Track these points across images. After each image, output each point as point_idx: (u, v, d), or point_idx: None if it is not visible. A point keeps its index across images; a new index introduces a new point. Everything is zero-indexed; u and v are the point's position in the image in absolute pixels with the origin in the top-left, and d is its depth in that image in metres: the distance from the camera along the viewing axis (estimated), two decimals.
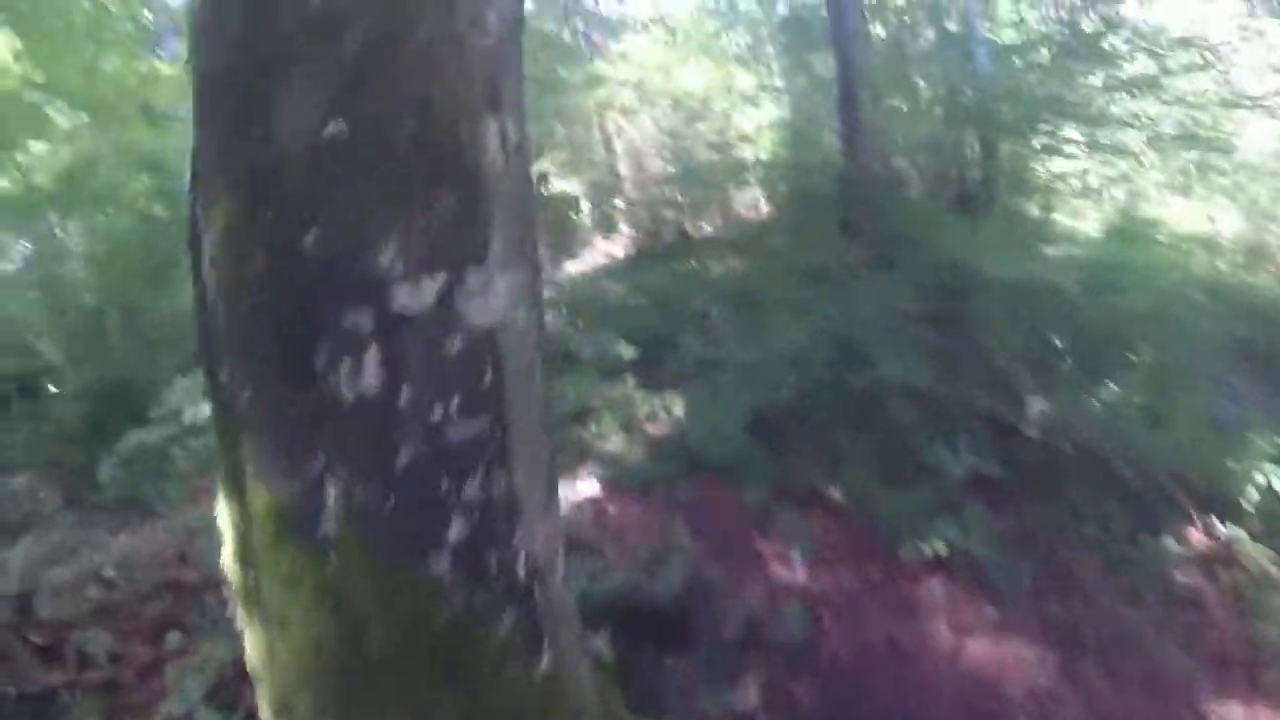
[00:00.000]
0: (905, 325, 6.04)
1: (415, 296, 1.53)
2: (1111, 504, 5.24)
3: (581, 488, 5.75)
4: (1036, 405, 5.82)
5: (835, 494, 5.08)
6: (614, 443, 6.37)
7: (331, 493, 1.59)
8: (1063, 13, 12.46)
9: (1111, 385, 6.03)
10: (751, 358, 5.93)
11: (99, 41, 8.23)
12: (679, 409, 6.62)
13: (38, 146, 8.37)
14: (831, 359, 5.57)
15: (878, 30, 12.07)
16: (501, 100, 1.66)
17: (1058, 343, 6.33)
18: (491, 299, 1.62)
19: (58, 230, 8.94)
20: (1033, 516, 5.14)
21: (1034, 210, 11.61)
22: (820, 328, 5.80)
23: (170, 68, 9.47)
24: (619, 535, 5.09)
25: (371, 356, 1.53)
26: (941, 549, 4.49)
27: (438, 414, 1.57)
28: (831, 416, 5.48)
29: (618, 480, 5.71)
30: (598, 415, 6.66)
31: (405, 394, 1.55)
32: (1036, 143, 11.08)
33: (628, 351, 7.16)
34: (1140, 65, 11.06)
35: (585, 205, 14.35)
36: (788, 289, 7.30)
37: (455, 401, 1.59)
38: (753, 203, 12.30)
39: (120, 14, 8.24)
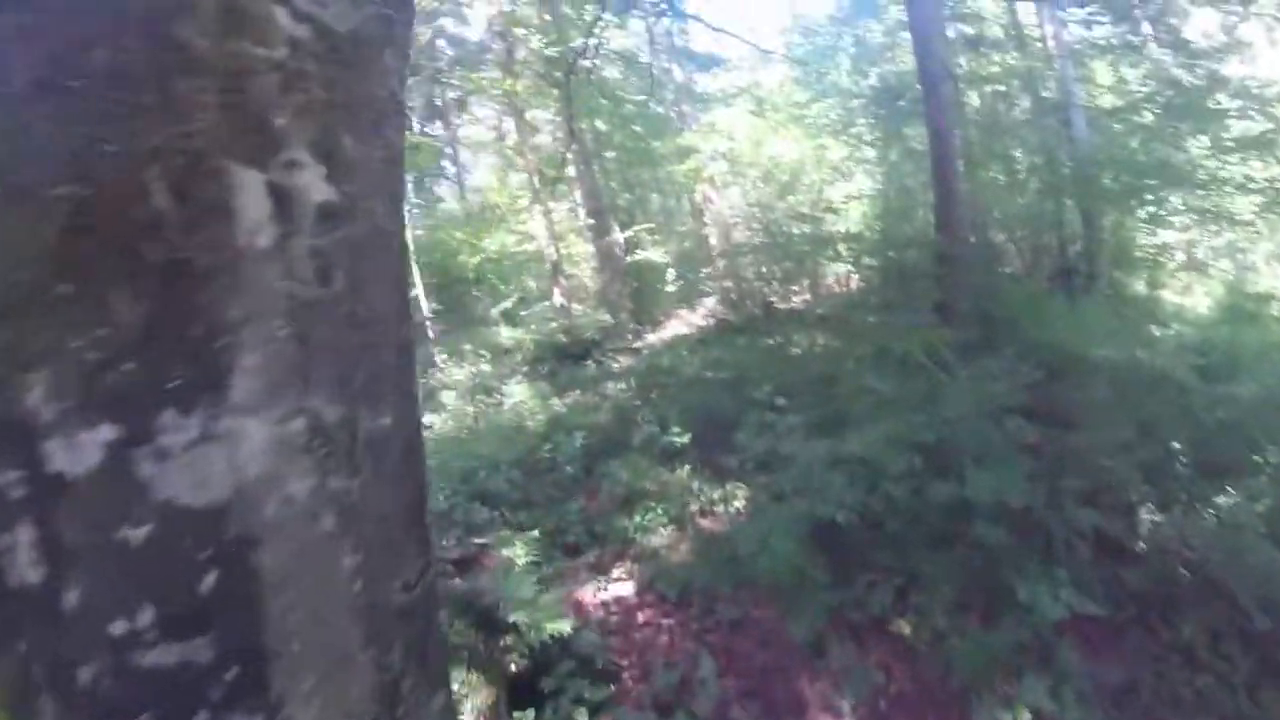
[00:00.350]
0: (1000, 421, 5.14)
1: (73, 456, 0.93)
2: (1231, 643, 4.13)
3: (615, 588, 5.06)
4: (1146, 516, 4.81)
5: (903, 627, 4.18)
6: (660, 536, 5.66)
7: (41, 686, 1.00)
8: (1167, 70, 11.36)
9: (1231, 491, 4.93)
10: (820, 458, 5.11)
11: None
12: (740, 501, 5.89)
13: None
14: (913, 468, 4.69)
15: (971, 99, 11.32)
16: (285, 141, 1.07)
17: (1170, 440, 5.27)
18: (217, 460, 1.01)
19: None
20: (1138, 664, 4.09)
21: (1139, 286, 10.59)
22: (902, 432, 4.94)
23: None
24: (642, 651, 4.36)
25: (26, 533, 0.94)
26: (1026, 717, 3.52)
27: (120, 628, 0.96)
28: (906, 533, 4.59)
29: (655, 582, 4.98)
30: (647, 503, 5.98)
31: (72, 594, 0.95)
32: (1142, 212, 10.09)
33: (684, 438, 6.50)
34: (1250, 123, 10.00)
35: (671, 274, 13.93)
36: (872, 377, 6.48)
37: (149, 613, 0.97)
38: (842, 277, 11.53)
39: None
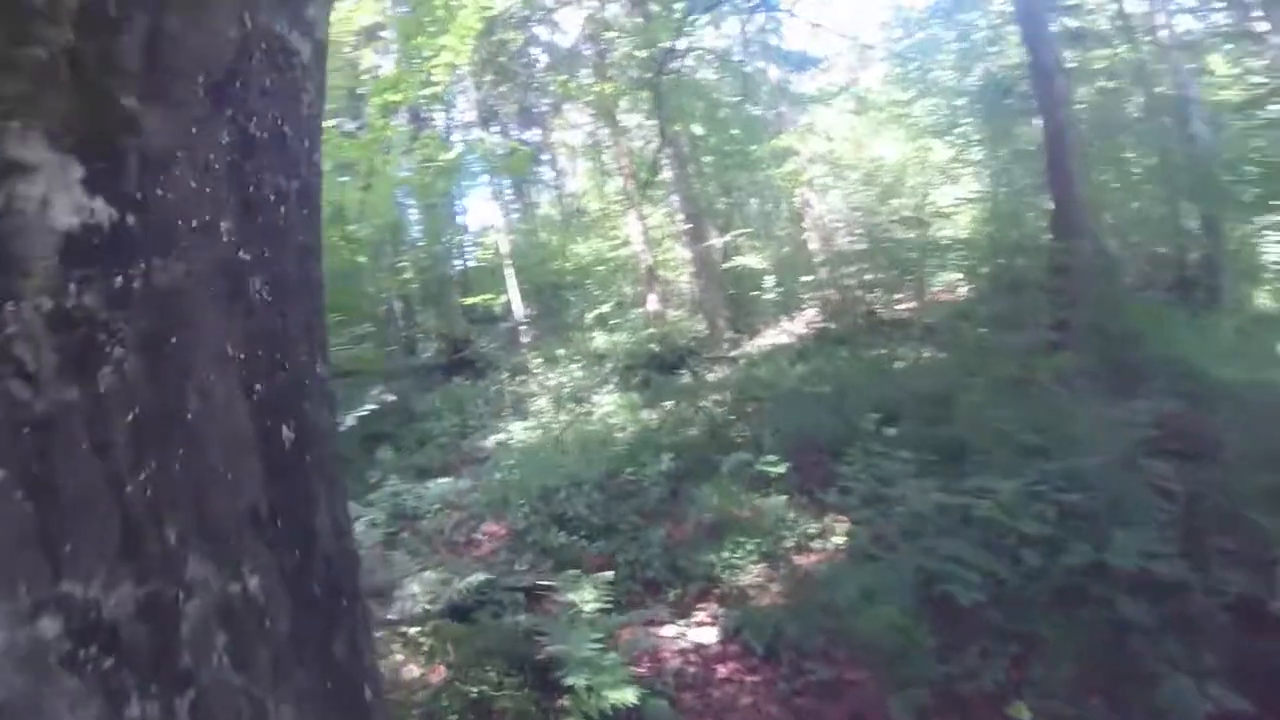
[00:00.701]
0: (1136, 463, 4.35)
1: None
2: None
3: (696, 633, 4.51)
4: None
5: (1021, 712, 3.47)
6: (750, 575, 5.08)
7: None
8: None
9: None
10: (936, 508, 4.43)
11: None
12: (840, 537, 5.24)
13: None
14: (1045, 529, 3.97)
15: (1079, 96, 10.37)
16: None
17: None
18: None
19: None
20: None
21: (1265, 299, 9.53)
22: (1038, 486, 4.21)
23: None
24: (719, 714, 3.79)
25: None
26: None
27: None
28: (1026, 588, 3.89)
29: (742, 629, 4.41)
30: (737, 536, 5.40)
31: None
32: (1269, 218, 8.91)
33: (779, 468, 5.88)
34: None
35: (770, 280, 13.26)
36: (987, 401, 5.73)
37: None
38: (950, 285, 10.62)
39: None
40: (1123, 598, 3.54)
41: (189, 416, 0.69)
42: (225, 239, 0.72)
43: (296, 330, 0.82)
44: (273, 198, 0.78)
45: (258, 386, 0.75)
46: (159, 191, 0.67)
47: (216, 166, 0.71)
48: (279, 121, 0.79)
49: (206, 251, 0.70)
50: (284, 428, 0.79)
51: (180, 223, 0.69)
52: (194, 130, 0.70)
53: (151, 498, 0.66)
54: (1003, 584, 3.92)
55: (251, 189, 0.75)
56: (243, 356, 0.74)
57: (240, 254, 0.73)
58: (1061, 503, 3.98)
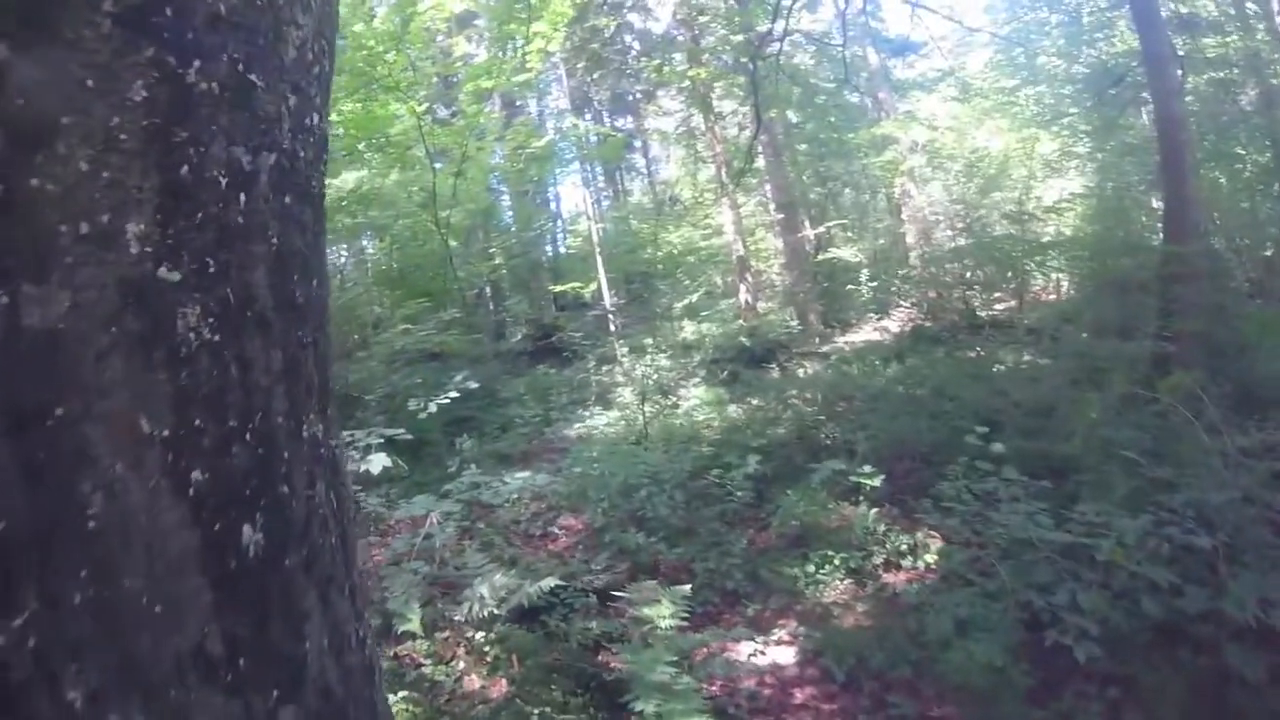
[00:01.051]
0: (1256, 493, 3.83)
1: None
2: None
3: (773, 652, 4.21)
4: None
5: None
6: (835, 591, 4.75)
7: None
8: None
9: None
10: (1041, 537, 4.01)
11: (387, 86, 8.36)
12: (932, 555, 4.84)
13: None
14: (1165, 573, 3.51)
15: (1188, 87, 9.64)
16: None
17: None
18: None
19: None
20: None
21: None
22: (1169, 528, 3.73)
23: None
24: None
25: None
26: None
27: None
28: (1132, 637, 3.46)
29: (822, 653, 4.08)
30: (824, 549, 5.06)
31: None
32: None
33: (874, 480, 5.48)
34: None
35: (864, 274, 12.69)
36: (1104, 420, 5.21)
37: None
38: (1053, 285, 9.89)
39: (400, 63, 8.26)
40: (1230, 645, 3.15)
41: (89, 527, 0.45)
42: (135, 249, 0.47)
43: (267, 379, 0.57)
44: (224, 181, 0.53)
45: (196, 474, 0.51)
46: (31, 182, 0.43)
47: (124, 137, 0.46)
48: (241, 67, 0.54)
49: (105, 271, 0.45)
50: (245, 528, 0.55)
51: (63, 229, 0.44)
52: (90, 84, 0.45)
53: (37, 648, 0.43)
54: (1105, 622, 3.50)
55: (185, 170, 0.50)
56: (168, 432, 0.49)
57: (161, 271, 0.48)
58: (1179, 541, 3.54)
